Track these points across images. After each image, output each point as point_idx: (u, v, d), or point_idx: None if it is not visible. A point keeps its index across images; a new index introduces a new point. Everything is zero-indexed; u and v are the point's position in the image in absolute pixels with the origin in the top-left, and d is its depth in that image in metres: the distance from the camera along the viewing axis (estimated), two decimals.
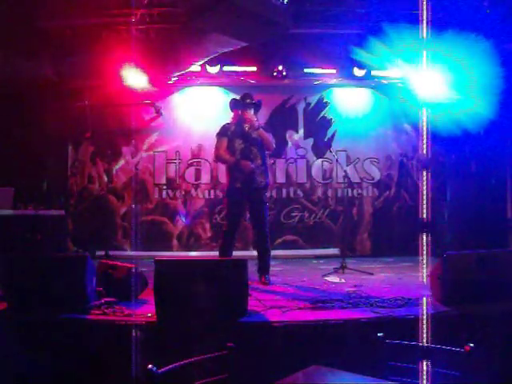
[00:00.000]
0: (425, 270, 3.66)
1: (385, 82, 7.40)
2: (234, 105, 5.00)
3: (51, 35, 6.19)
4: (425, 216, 3.24)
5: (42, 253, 5.48)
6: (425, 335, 3.25)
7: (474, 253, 4.06)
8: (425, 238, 3.22)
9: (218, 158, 5.08)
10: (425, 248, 3.22)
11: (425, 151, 3.35)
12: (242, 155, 4.80)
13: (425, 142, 3.41)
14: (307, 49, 6.61)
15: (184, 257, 6.91)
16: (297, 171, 7.61)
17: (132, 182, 7.44)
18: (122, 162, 7.50)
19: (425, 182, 3.32)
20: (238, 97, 5.10)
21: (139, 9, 6.00)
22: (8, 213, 5.57)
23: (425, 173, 3.29)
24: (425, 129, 3.49)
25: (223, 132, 4.93)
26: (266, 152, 5.00)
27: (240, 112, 4.90)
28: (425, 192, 3.30)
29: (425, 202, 3.25)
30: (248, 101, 4.90)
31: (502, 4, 5.58)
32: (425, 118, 3.54)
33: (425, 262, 3.23)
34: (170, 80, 7.07)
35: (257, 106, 4.97)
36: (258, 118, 4.97)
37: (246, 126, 4.88)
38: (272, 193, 7.55)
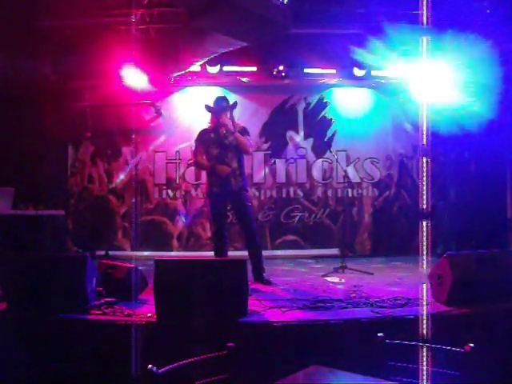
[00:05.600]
0: (425, 270, 3.66)
1: (385, 81, 7.40)
2: (209, 109, 4.97)
3: (51, 35, 6.19)
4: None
5: (42, 253, 5.48)
6: (425, 335, 3.25)
7: (474, 253, 4.06)
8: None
9: (195, 165, 5.29)
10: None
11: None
12: (218, 160, 4.83)
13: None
14: (307, 49, 6.61)
15: (184, 257, 6.91)
16: (297, 171, 7.62)
17: (132, 181, 7.44)
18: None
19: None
20: (211, 102, 5.00)
21: (139, 9, 6.00)
22: (8, 213, 5.57)
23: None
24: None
25: (200, 138, 4.97)
26: (244, 155, 4.98)
27: (216, 116, 4.88)
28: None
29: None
30: (223, 104, 4.88)
31: (501, 4, 5.58)
32: (425, 115, 3.53)
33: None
34: (170, 80, 7.07)
35: (232, 108, 4.95)
36: (233, 121, 4.91)
37: (223, 131, 4.86)
38: (272, 193, 7.56)
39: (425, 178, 3.26)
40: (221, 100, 4.94)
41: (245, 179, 4.99)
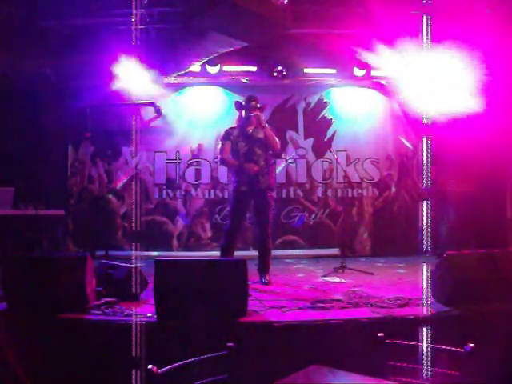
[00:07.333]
0: (425, 270, 3.68)
1: (385, 81, 7.40)
2: (239, 106, 5.03)
3: (51, 35, 6.19)
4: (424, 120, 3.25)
5: (42, 253, 5.48)
6: (425, 335, 3.25)
7: (474, 253, 4.07)
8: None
9: (222, 163, 5.20)
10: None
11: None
12: (246, 157, 4.85)
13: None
14: (307, 49, 6.60)
15: (184, 257, 6.90)
16: (297, 171, 7.61)
17: (132, 182, 7.44)
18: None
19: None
20: (242, 99, 5.11)
21: (139, 9, 6.00)
22: (8, 213, 5.57)
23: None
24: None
25: (226, 136, 4.99)
26: (271, 152, 5.03)
27: (245, 113, 4.93)
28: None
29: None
30: (253, 103, 4.93)
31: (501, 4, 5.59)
32: (425, 115, 3.56)
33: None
34: (170, 80, 7.07)
35: (262, 109, 5.01)
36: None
37: (250, 128, 4.90)
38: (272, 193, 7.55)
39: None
40: (251, 98, 4.97)
41: (272, 178, 5.01)
